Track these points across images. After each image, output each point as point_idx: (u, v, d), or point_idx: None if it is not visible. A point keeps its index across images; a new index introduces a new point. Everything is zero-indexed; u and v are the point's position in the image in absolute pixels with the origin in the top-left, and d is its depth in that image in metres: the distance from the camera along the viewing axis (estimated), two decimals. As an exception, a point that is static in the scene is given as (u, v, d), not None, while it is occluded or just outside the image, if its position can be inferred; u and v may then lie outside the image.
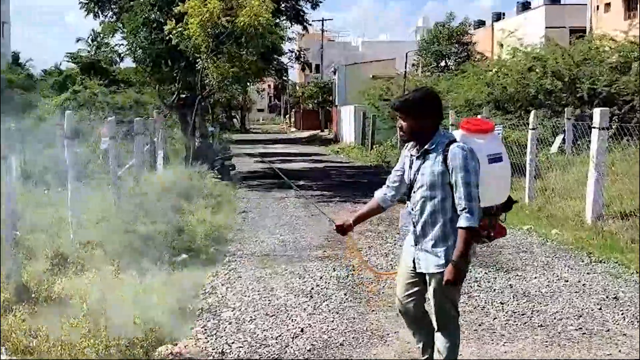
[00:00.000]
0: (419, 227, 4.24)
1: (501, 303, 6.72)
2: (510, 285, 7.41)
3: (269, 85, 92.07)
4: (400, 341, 5.61)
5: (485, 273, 7.93)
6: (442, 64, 38.17)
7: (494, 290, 7.22)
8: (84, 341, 5.08)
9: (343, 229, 4.64)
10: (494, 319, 6.22)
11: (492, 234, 4.35)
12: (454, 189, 4.07)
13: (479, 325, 6.03)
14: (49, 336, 5.23)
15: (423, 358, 4.55)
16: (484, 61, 30.22)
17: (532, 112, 13.59)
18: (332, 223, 4.73)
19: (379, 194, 4.58)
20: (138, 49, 18.43)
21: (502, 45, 28.28)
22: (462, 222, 4.00)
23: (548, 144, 15.51)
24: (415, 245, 4.30)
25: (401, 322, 6.05)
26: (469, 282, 7.46)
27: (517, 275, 7.85)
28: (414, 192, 4.25)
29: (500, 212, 4.39)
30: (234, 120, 70.30)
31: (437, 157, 4.14)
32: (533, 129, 13.21)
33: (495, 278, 7.71)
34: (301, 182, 18.06)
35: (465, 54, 36.72)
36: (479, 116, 15.56)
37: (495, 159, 4.17)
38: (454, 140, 4.15)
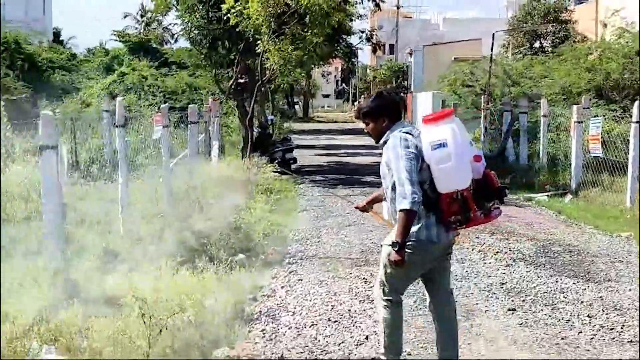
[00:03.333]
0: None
1: (588, 316, 6.93)
2: (600, 297, 7.59)
3: (336, 68, 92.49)
4: (473, 353, 5.90)
5: (573, 284, 8.12)
6: (537, 45, 37.67)
7: (582, 302, 7.42)
8: (138, 341, 5.54)
9: (360, 209, 5.76)
10: (579, 332, 6.45)
11: (467, 219, 4.97)
12: None
13: (562, 339, 6.27)
14: (101, 335, 5.72)
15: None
16: (585, 43, 29.70)
17: (637, 103, 13.49)
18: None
19: None
20: (194, 28, 19.10)
21: (605, 25, 27.80)
22: (397, 205, 4.84)
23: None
24: None
25: (475, 333, 6.38)
26: (554, 293, 7.70)
27: (610, 287, 8.02)
28: None
29: (480, 199, 5.00)
30: (296, 107, 70.94)
31: (385, 149, 5.10)
32: (637, 122, 13.14)
33: (585, 289, 7.90)
34: (369, 179, 18.39)
35: (564, 34, 36.13)
36: (574, 107, 15.56)
37: (438, 145, 4.83)
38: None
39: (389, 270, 5.08)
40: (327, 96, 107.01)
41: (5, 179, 9.52)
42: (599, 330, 6.55)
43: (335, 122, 63.87)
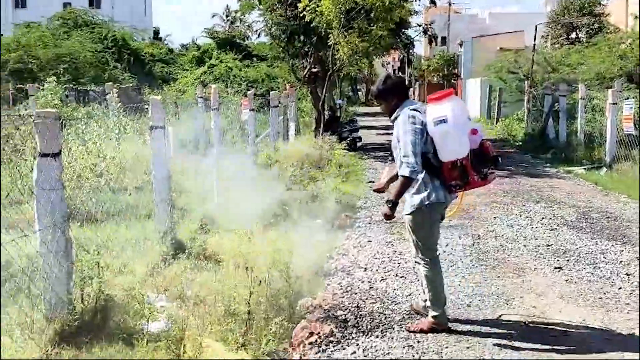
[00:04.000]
0: None
1: (627, 274, 6.75)
2: (637, 257, 7.38)
3: (394, 58, 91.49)
4: (525, 305, 5.81)
5: (612, 245, 7.92)
6: (573, 36, 36.72)
7: (620, 262, 7.23)
8: (236, 291, 5.62)
9: (379, 190, 5.61)
10: (619, 289, 6.29)
11: (465, 183, 5.08)
12: None
13: (604, 294, 6.13)
14: (203, 286, 5.83)
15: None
16: (617, 33, 28.77)
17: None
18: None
19: None
20: (273, 25, 19.12)
21: (636, 17, 26.90)
22: (399, 171, 4.99)
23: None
24: None
25: (527, 288, 6.27)
26: (595, 254, 7.52)
27: (645, 249, 7.78)
28: None
29: (477, 165, 5.07)
30: (359, 93, 70.55)
31: (395, 124, 5.17)
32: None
33: (622, 251, 7.70)
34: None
35: (598, 25, 35.08)
36: (609, 90, 15.17)
37: (440, 121, 4.90)
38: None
39: (419, 234, 5.22)
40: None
41: (121, 155, 9.74)
42: (637, 287, 6.36)
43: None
